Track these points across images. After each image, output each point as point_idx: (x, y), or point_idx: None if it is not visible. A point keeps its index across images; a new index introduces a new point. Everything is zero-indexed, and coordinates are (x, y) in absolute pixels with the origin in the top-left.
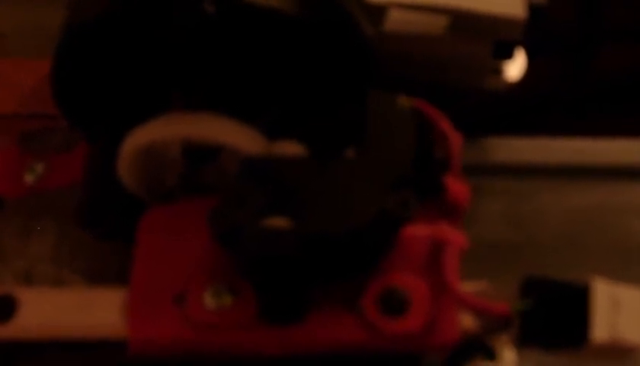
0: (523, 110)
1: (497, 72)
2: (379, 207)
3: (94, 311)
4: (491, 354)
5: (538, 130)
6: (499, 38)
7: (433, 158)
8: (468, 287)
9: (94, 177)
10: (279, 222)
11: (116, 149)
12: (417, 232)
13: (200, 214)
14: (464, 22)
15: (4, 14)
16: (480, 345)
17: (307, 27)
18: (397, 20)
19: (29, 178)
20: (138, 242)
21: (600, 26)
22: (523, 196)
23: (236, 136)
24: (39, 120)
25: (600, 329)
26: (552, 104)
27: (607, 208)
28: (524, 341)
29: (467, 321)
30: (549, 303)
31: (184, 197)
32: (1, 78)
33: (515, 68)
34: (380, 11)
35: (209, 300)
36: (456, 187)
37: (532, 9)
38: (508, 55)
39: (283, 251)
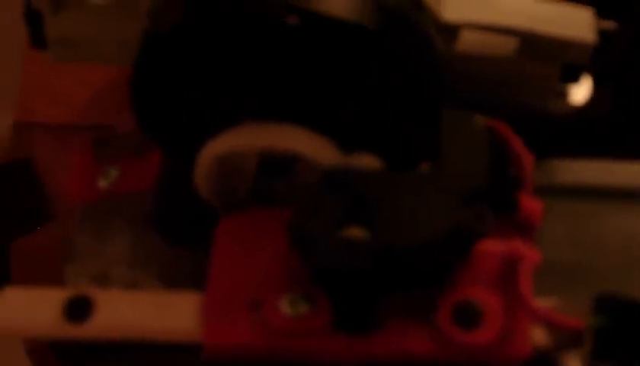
0: (585, 133)
1: (563, 95)
2: (454, 220)
3: (170, 314)
4: None
5: (598, 153)
6: (567, 61)
7: (506, 175)
8: (540, 303)
9: (169, 184)
10: (355, 232)
11: (191, 157)
12: (492, 247)
13: (274, 223)
14: (534, 44)
15: (78, 22)
16: (549, 360)
17: (382, 41)
18: (468, 40)
19: (103, 183)
20: (214, 249)
21: None
22: (586, 218)
23: (314, 148)
24: (91, 131)
25: None
26: (610, 127)
27: None
28: (597, 359)
29: (538, 335)
30: (623, 320)
31: (255, 207)
32: (54, 92)
33: (580, 91)
34: (453, 31)
35: (285, 308)
36: (530, 204)
37: (602, 34)
38: (575, 78)
39: (359, 262)
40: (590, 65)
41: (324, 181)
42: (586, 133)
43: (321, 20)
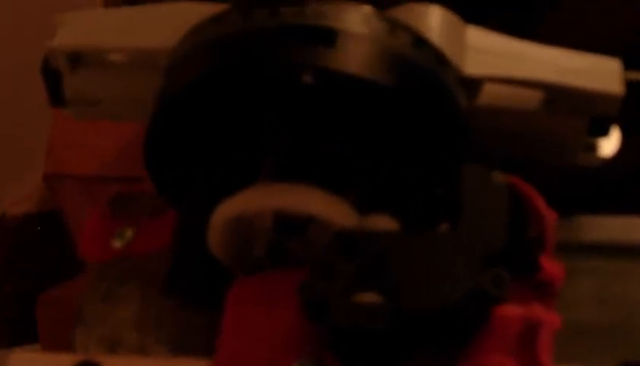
0: (616, 188)
1: (591, 148)
2: (472, 284)
3: None
4: None
5: (629, 208)
6: (594, 114)
7: (527, 236)
8: None
9: (183, 244)
10: (369, 297)
11: (206, 217)
12: (511, 311)
13: (288, 287)
14: (560, 97)
15: (102, 82)
16: None
17: (402, 97)
18: (492, 94)
19: (117, 244)
20: (226, 313)
21: None
22: (613, 277)
23: (328, 209)
24: (117, 183)
25: None
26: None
27: None
28: None
29: None
30: None
31: (271, 268)
32: (84, 143)
33: (609, 144)
34: (476, 84)
35: None
36: (551, 266)
37: (629, 85)
38: (603, 131)
39: (373, 326)
40: (620, 117)
41: (335, 244)
42: (617, 188)
43: (337, 78)
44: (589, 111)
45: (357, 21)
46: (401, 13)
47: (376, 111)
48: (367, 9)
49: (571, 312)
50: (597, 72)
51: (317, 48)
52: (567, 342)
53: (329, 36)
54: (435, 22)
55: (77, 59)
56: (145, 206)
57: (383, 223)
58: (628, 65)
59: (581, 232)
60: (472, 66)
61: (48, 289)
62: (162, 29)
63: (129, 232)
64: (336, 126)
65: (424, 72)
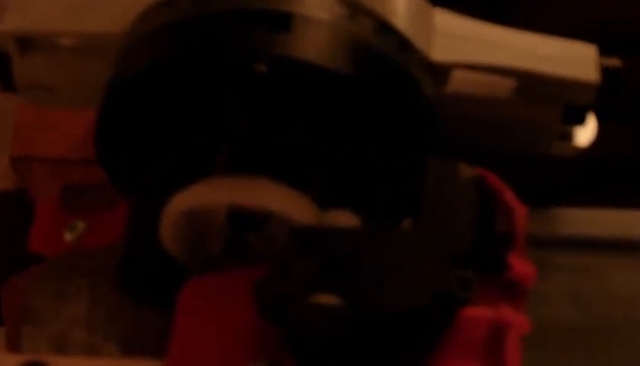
0: (592, 179)
1: (566, 137)
2: (436, 285)
3: None
4: None
5: (607, 200)
6: (569, 102)
7: (495, 232)
8: None
9: (135, 239)
10: (328, 298)
11: (159, 210)
12: (477, 313)
13: (243, 285)
14: (533, 84)
15: (53, 66)
16: None
17: (363, 86)
18: (461, 81)
19: (69, 237)
20: (178, 311)
21: None
22: (589, 273)
23: (285, 204)
24: (85, 165)
25: None
26: (623, 172)
27: None
28: None
29: None
30: None
31: (229, 264)
32: (50, 125)
33: (585, 133)
34: (444, 71)
35: None
36: (521, 265)
37: (606, 72)
38: (579, 120)
39: (332, 329)
40: (596, 105)
41: (291, 242)
42: (593, 178)
43: (293, 65)
44: (563, 99)
45: (316, 5)
46: None
47: (336, 99)
48: None
49: (546, 309)
50: (572, 59)
51: (272, 33)
52: (542, 340)
53: (285, 21)
54: (400, 6)
55: (26, 43)
56: (97, 198)
57: (344, 218)
58: (604, 52)
59: (558, 226)
60: (440, 52)
61: (10, 277)
62: (113, 13)
63: (80, 225)
64: (295, 114)
65: (385, 60)
